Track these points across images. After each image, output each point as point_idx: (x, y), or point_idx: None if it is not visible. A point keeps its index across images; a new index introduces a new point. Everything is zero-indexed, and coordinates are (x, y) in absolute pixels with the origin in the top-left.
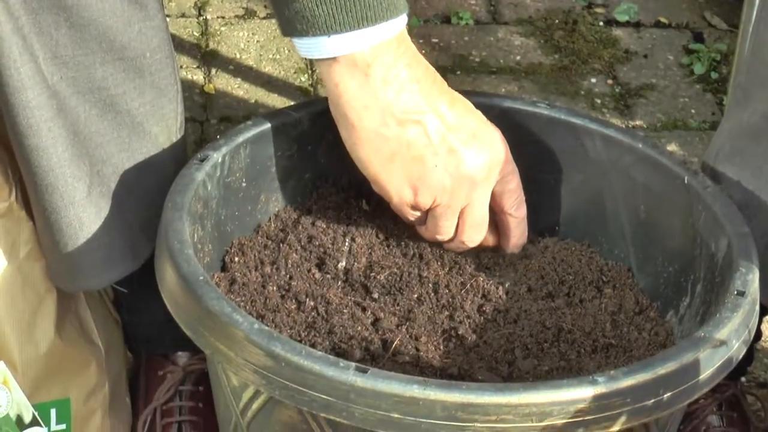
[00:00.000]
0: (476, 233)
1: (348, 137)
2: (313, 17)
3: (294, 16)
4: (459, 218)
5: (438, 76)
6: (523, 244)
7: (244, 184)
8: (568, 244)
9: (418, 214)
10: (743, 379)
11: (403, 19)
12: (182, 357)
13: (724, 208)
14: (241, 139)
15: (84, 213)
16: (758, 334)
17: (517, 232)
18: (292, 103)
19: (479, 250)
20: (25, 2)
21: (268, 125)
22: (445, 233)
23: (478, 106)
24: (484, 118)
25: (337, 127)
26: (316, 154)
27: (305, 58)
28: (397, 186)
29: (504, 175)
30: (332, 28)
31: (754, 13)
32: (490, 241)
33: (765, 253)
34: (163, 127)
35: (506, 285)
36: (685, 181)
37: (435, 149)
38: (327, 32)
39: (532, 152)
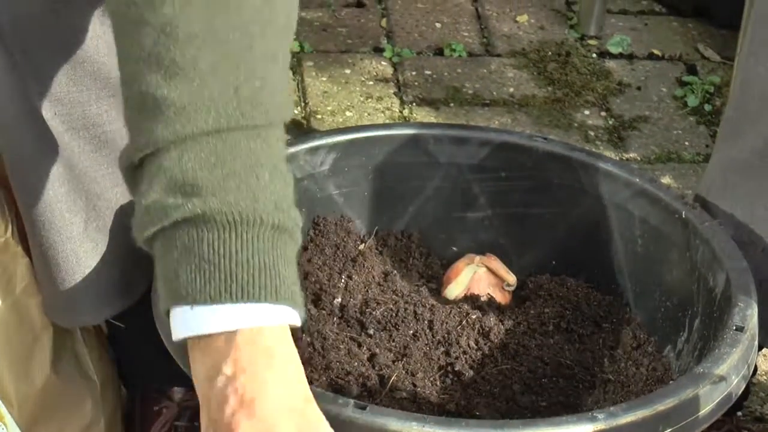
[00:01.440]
0: None
1: None
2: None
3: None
4: None
5: None
6: None
7: None
8: (564, 280)
9: None
10: (739, 413)
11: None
12: (178, 392)
13: (722, 243)
14: None
15: (80, 248)
16: (754, 369)
17: None
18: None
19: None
20: (19, 38)
21: None
22: None
23: (475, 140)
24: None
25: (333, 163)
26: (311, 190)
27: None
28: None
29: None
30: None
31: (745, 48)
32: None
33: (758, 289)
34: None
35: (503, 321)
36: (683, 216)
37: None
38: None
39: (529, 187)
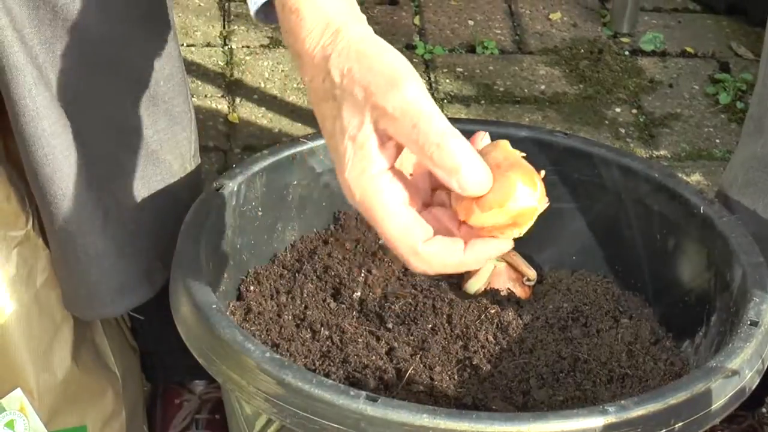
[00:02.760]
0: None
1: None
2: None
3: None
4: None
5: None
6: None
7: (260, 213)
8: (583, 275)
9: None
10: (764, 410)
11: None
12: (199, 385)
13: (740, 238)
14: (257, 167)
15: (100, 241)
16: None
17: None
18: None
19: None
20: (38, 32)
21: (284, 154)
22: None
23: (498, 135)
24: None
25: None
26: (332, 184)
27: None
28: None
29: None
30: None
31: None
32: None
33: None
34: (177, 154)
35: (521, 316)
36: (701, 211)
37: None
38: None
39: (549, 182)
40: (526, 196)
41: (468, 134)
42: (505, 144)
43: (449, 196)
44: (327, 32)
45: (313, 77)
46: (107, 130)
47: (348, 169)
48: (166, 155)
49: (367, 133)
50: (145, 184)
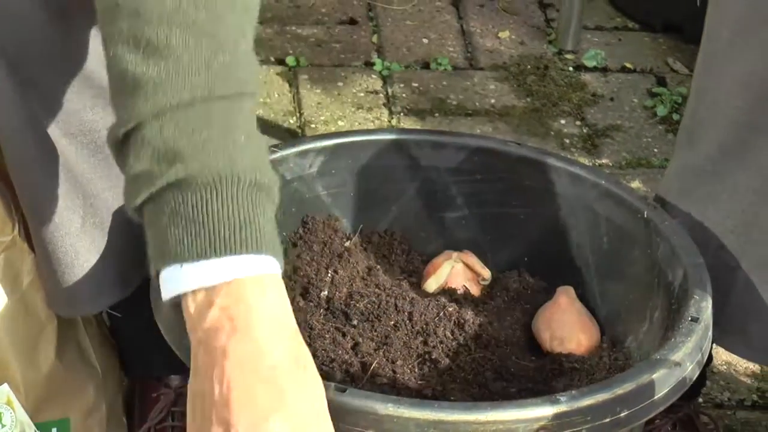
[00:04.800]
0: None
1: None
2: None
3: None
4: None
5: None
6: None
7: None
8: (528, 279)
9: None
10: (700, 400)
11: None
12: (175, 380)
13: (681, 240)
14: None
15: (79, 243)
16: (709, 358)
17: None
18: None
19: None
20: (19, 52)
21: None
22: None
23: (453, 145)
24: None
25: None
26: (301, 191)
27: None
28: None
29: None
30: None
31: (699, 61)
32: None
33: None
34: None
35: (477, 313)
36: (645, 215)
37: None
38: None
39: (503, 188)
40: None
41: (430, 144)
42: None
43: None
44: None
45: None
46: (84, 142)
47: None
48: None
49: None
50: (120, 192)
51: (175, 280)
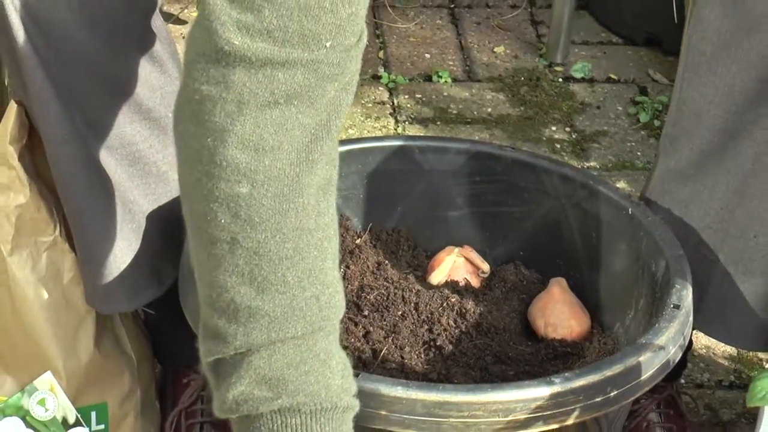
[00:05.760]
0: None
1: None
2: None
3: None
4: None
5: None
6: None
7: None
8: (524, 271)
9: None
10: (682, 381)
11: None
12: None
13: (663, 234)
14: None
15: (116, 247)
16: (690, 342)
17: None
18: None
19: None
20: (64, 72)
21: None
22: None
23: (454, 150)
24: None
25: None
26: None
27: None
28: None
29: None
30: None
31: (680, 73)
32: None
33: None
34: None
35: (478, 303)
36: (630, 212)
37: None
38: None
39: (499, 189)
40: None
41: (432, 149)
42: None
43: None
44: None
45: None
46: (123, 154)
47: None
48: (173, 175)
49: None
50: (155, 200)
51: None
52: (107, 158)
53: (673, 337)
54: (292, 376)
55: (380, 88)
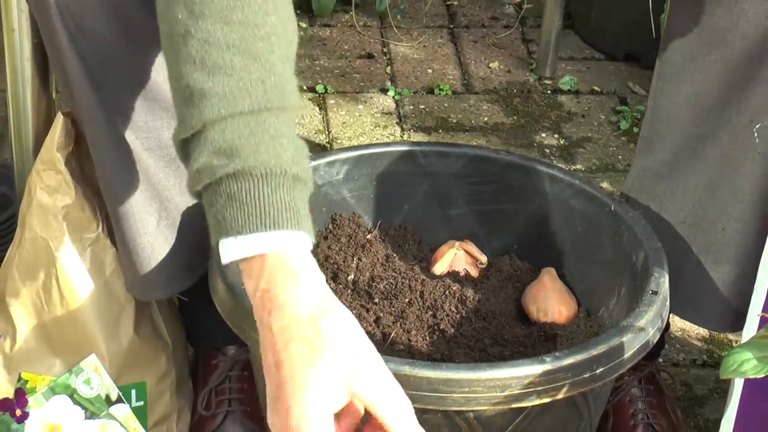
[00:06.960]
0: None
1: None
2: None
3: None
4: None
5: None
6: None
7: None
8: (518, 263)
9: None
10: (661, 360)
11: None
12: (231, 349)
13: (642, 229)
14: None
15: (154, 240)
16: (667, 325)
17: None
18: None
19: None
20: (109, 81)
21: None
22: None
23: (454, 154)
24: None
25: (346, 172)
26: (329, 194)
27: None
28: None
29: None
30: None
31: (654, 84)
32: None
33: None
34: None
35: (477, 291)
36: (612, 209)
37: None
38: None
39: (495, 189)
40: None
41: (435, 154)
42: None
43: None
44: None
45: (290, 327)
46: (160, 155)
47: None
48: None
49: (336, 386)
50: (189, 198)
51: (232, 249)
52: (147, 160)
53: (651, 320)
54: (243, 146)
55: (388, 100)
